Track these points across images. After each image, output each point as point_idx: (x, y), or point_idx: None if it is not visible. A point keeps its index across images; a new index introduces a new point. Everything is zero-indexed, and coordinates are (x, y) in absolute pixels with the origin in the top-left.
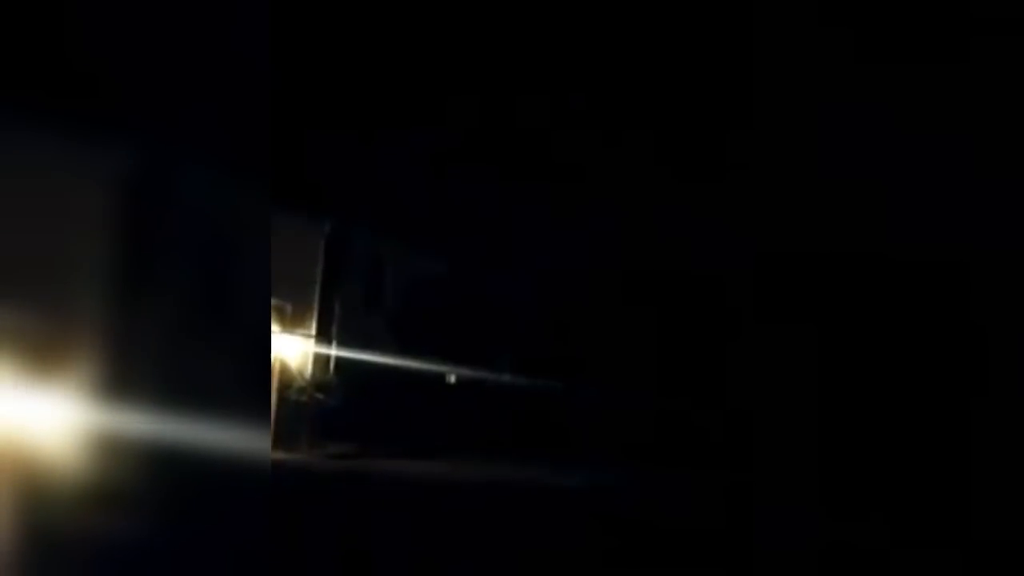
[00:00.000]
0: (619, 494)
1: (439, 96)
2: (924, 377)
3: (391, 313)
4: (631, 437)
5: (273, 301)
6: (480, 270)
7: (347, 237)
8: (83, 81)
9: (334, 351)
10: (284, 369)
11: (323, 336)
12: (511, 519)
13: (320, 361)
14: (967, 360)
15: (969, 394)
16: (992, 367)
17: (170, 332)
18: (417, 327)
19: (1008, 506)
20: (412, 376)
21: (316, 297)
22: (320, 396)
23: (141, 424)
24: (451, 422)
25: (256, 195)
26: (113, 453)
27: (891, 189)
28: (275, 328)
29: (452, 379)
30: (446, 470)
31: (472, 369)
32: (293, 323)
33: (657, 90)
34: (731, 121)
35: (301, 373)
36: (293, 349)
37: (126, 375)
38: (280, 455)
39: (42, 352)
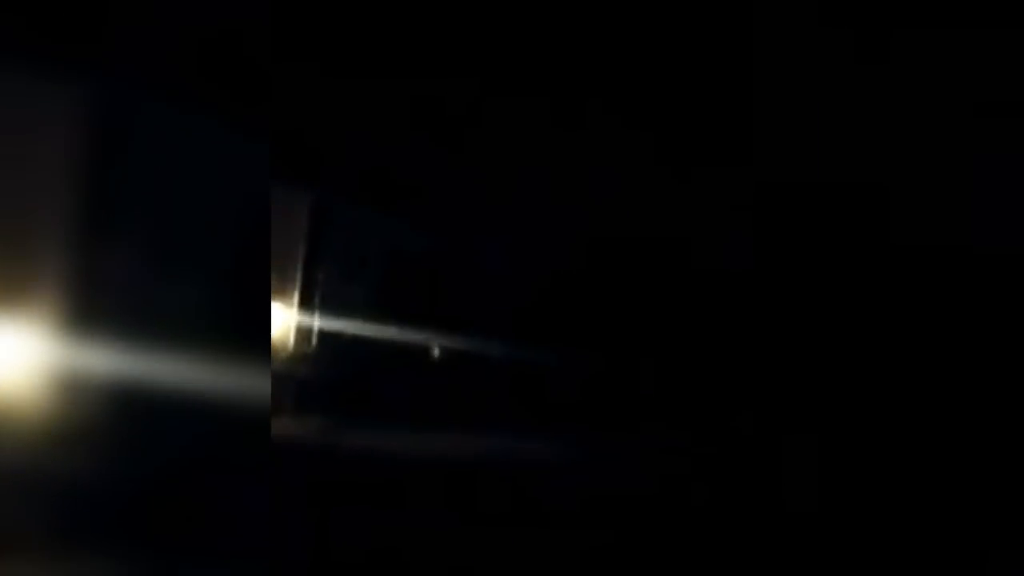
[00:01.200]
0: (606, 467)
1: (432, 72)
2: (922, 373)
3: (376, 284)
4: (620, 410)
5: None
6: (467, 241)
7: (332, 206)
8: (57, 13)
9: (317, 322)
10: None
11: (306, 306)
12: (496, 491)
13: (303, 332)
14: (966, 358)
15: (968, 392)
16: (994, 366)
17: (145, 264)
18: (402, 298)
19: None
20: (396, 347)
21: (299, 267)
22: (303, 367)
23: (110, 361)
24: (437, 394)
25: (253, 129)
26: (79, 391)
27: (892, 187)
28: None
29: (436, 351)
30: (431, 442)
31: (458, 341)
32: (275, 293)
33: (656, 78)
34: (731, 114)
35: (284, 344)
36: (275, 319)
37: (96, 309)
38: None
39: (6, 286)
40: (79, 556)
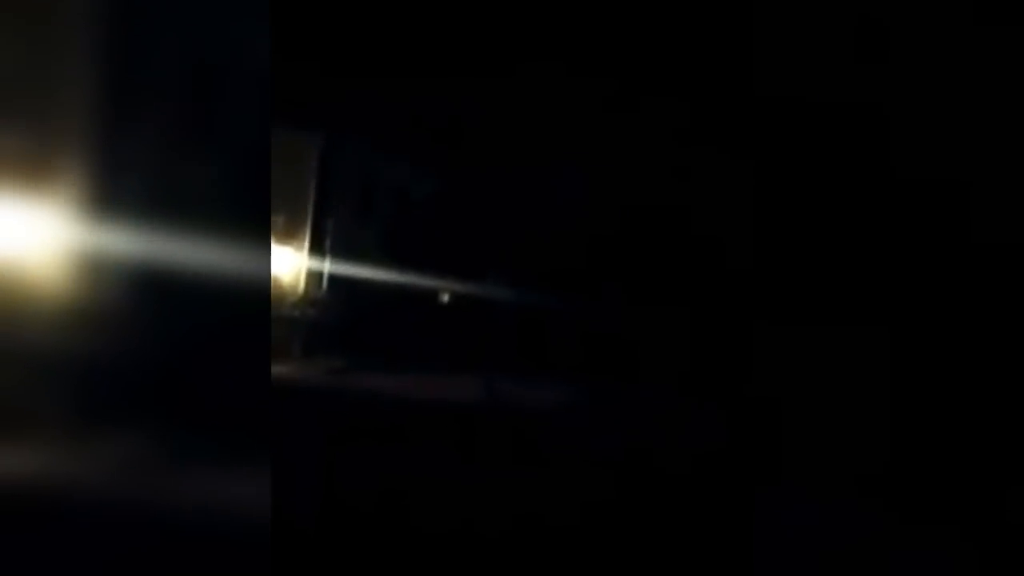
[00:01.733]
0: (605, 412)
1: (438, 16)
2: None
3: (384, 228)
4: (623, 354)
5: None
6: (475, 186)
7: (342, 150)
8: None
9: (327, 265)
10: (276, 283)
11: (316, 250)
12: (497, 434)
13: (313, 275)
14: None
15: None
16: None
17: (160, 147)
18: (410, 242)
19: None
20: (405, 291)
21: (310, 211)
22: (312, 310)
23: (130, 243)
24: (444, 338)
25: (253, 10)
26: (101, 272)
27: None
28: None
29: (445, 297)
30: (437, 385)
31: (465, 285)
32: (286, 236)
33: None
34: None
35: (294, 287)
36: (286, 263)
37: (115, 191)
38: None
39: (29, 168)
40: (97, 432)
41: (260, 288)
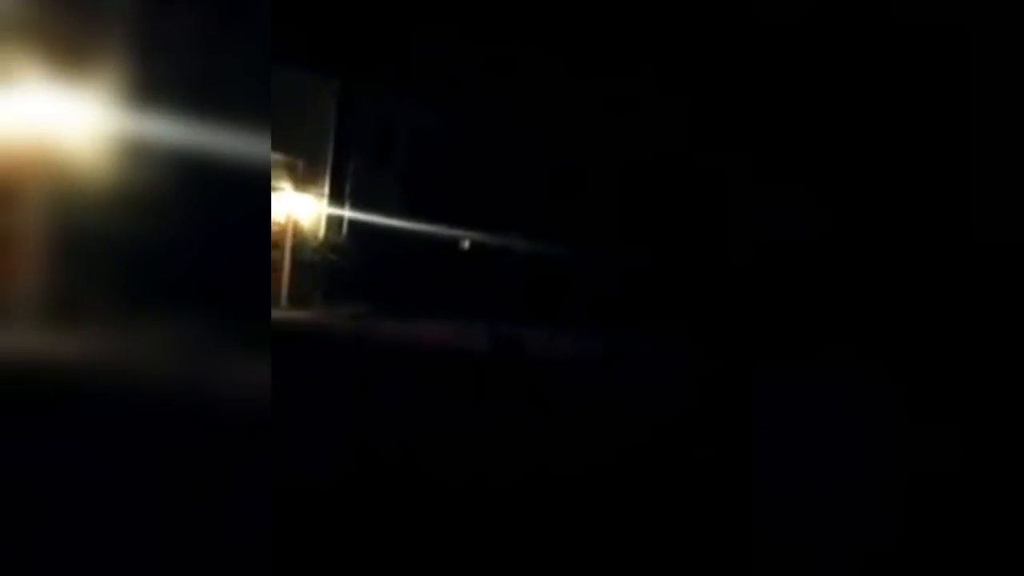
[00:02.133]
0: (629, 362)
1: (438, 16)
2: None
3: (404, 173)
4: (639, 305)
5: (284, 157)
6: (496, 132)
7: (361, 95)
8: None
9: (347, 211)
10: (297, 229)
11: (336, 195)
12: (515, 383)
13: (333, 221)
14: None
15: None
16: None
17: (195, 37)
18: (430, 189)
19: None
20: (425, 238)
21: (329, 156)
22: (333, 256)
23: (167, 129)
24: (462, 285)
25: None
26: (139, 157)
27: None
28: (287, 186)
29: (466, 244)
30: (455, 332)
31: (484, 233)
32: (306, 181)
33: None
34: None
35: (314, 233)
36: (306, 208)
37: (154, 78)
38: (292, 314)
39: (70, 52)
40: (143, 319)
41: (262, 177)
